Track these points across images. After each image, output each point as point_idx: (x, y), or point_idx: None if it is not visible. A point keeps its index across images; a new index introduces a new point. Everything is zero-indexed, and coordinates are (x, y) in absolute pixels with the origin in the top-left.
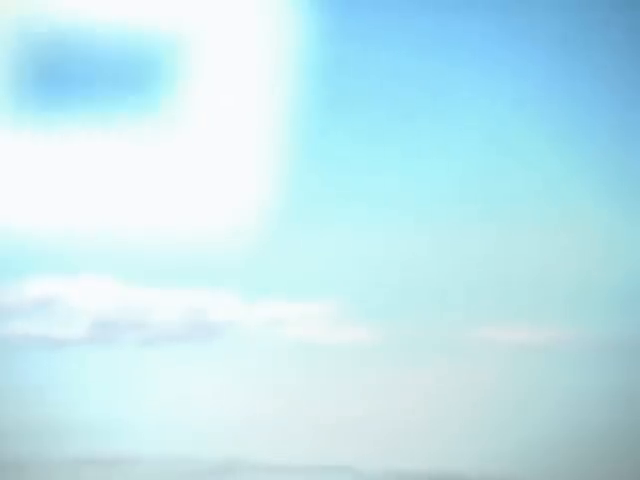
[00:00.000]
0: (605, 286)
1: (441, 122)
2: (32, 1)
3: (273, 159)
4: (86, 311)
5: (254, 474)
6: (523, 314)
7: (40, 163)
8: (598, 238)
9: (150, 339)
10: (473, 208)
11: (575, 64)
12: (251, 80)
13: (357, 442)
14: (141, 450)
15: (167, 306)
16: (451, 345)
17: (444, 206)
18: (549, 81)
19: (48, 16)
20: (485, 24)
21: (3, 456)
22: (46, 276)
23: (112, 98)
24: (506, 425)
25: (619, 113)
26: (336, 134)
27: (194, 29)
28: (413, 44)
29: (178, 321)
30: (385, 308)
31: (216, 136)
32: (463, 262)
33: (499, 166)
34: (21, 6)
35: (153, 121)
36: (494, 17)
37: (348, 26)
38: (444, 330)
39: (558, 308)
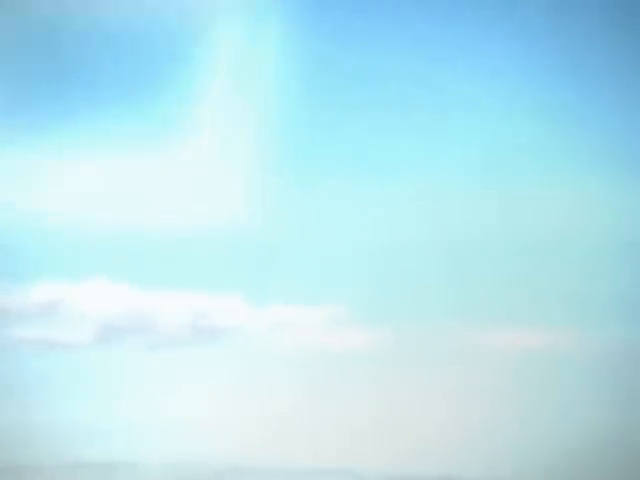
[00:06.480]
0: (607, 290)
1: (441, 115)
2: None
3: (278, 165)
4: (92, 315)
5: (257, 477)
6: (527, 319)
7: (45, 168)
8: (600, 242)
9: (154, 343)
10: (477, 211)
11: (564, 56)
12: (251, 80)
13: (359, 446)
14: (144, 454)
15: (172, 310)
16: (455, 350)
17: (446, 209)
18: (544, 71)
19: (53, 18)
20: (481, 23)
21: (8, 459)
22: (52, 281)
23: (116, 105)
24: (509, 429)
25: (621, 98)
26: (338, 136)
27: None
28: (412, 44)
29: (183, 325)
30: (389, 313)
31: (219, 143)
32: (467, 268)
33: (502, 167)
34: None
35: (155, 127)
36: (488, 17)
37: (348, 26)
38: (449, 335)
39: (561, 312)
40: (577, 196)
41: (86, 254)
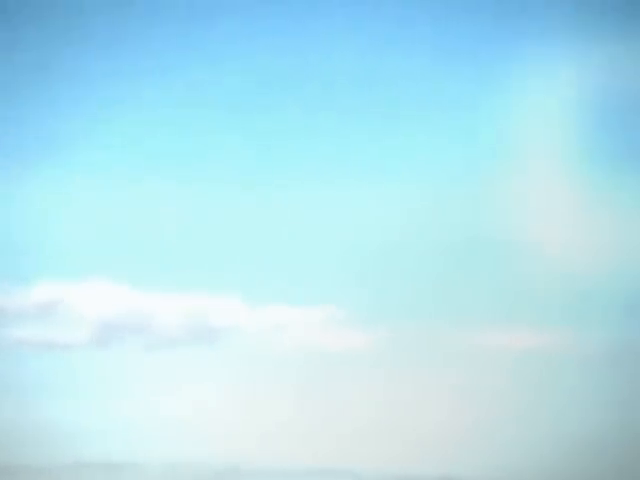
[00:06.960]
0: (607, 291)
1: (441, 116)
2: None
3: (279, 166)
4: (91, 315)
5: (256, 477)
6: (526, 319)
7: (45, 169)
8: (600, 243)
9: (154, 343)
10: (474, 212)
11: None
12: (251, 82)
13: (357, 446)
14: (144, 454)
15: (171, 311)
16: (454, 350)
17: (443, 211)
18: (544, 71)
19: None
20: (481, 24)
21: (8, 459)
22: (52, 281)
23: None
24: (508, 429)
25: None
26: (339, 137)
27: None
28: (412, 44)
29: (182, 325)
30: (387, 314)
31: (220, 141)
32: (465, 268)
33: (500, 167)
34: None
35: (153, 130)
36: (489, 18)
37: (348, 28)
38: (447, 335)
39: (561, 313)
40: (577, 196)
41: (86, 254)
